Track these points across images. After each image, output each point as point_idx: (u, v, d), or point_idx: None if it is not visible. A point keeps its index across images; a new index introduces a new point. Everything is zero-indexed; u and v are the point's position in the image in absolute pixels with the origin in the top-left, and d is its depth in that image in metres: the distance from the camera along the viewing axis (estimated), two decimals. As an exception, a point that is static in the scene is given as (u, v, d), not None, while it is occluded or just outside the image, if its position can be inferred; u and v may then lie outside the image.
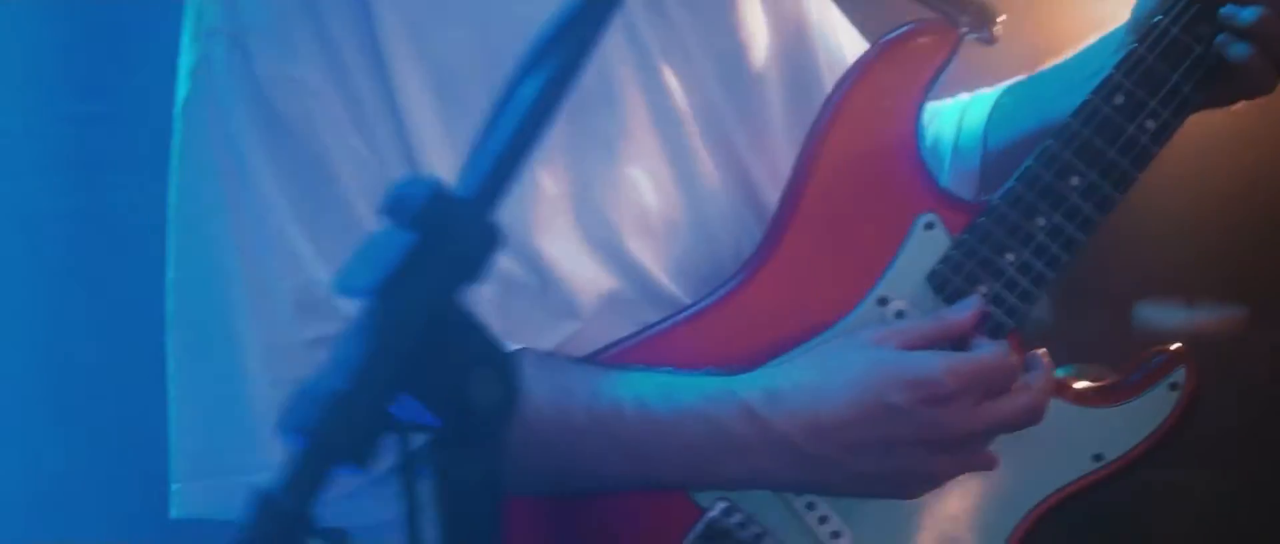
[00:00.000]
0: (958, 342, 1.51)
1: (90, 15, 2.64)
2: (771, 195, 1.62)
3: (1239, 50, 1.52)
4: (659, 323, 1.55)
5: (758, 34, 1.69)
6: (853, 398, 1.45)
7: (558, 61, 1.14)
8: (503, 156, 1.12)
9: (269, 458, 1.49)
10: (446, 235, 1.07)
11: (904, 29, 1.59)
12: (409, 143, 1.51)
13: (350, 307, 1.45)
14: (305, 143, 1.50)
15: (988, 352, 1.49)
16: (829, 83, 1.69)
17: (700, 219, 1.60)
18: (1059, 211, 1.53)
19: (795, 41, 1.72)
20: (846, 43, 1.79)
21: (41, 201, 2.67)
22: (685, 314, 1.55)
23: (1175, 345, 1.61)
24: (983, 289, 1.53)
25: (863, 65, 1.59)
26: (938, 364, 1.46)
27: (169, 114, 1.62)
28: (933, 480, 1.51)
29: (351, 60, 1.51)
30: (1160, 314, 2.46)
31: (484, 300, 1.49)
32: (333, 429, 1.03)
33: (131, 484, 2.60)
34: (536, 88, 1.13)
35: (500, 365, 1.11)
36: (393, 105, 1.51)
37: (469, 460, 1.11)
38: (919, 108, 1.57)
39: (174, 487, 1.55)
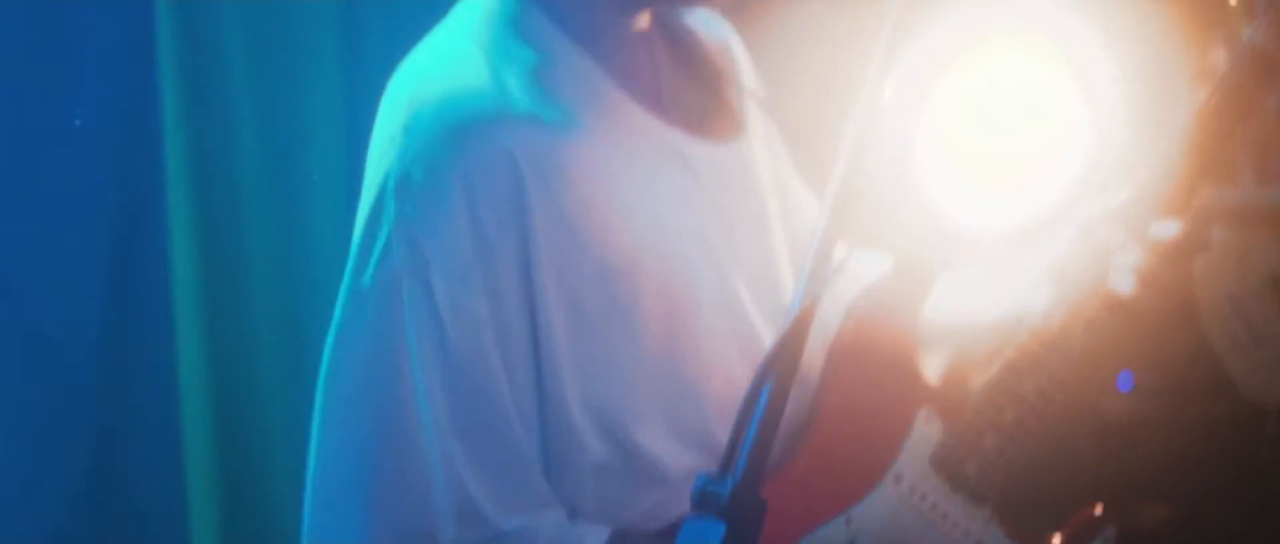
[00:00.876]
0: None
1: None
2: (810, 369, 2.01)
3: None
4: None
5: (780, 229, 2.08)
6: None
7: (778, 374, 1.57)
8: (757, 446, 1.53)
9: None
10: (741, 517, 1.49)
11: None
12: (540, 363, 1.85)
13: (501, 520, 1.82)
14: (471, 368, 1.83)
15: None
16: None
17: None
18: (1020, 408, 2.04)
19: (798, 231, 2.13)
20: None
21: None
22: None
23: (1100, 510, 2.14)
24: (970, 468, 2.02)
25: (868, 293, 2.06)
26: None
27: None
28: None
29: (508, 291, 1.83)
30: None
31: (580, 479, 1.90)
32: None
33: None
34: (769, 393, 1.56)
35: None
36: (534, 332, 1.85)
37: None
38: (915, 324, 2.05)
39: None
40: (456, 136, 1.84)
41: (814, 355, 2.04)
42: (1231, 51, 2.16)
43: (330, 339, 1.88)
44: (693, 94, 2.06)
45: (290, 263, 3.04)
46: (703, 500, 1.48)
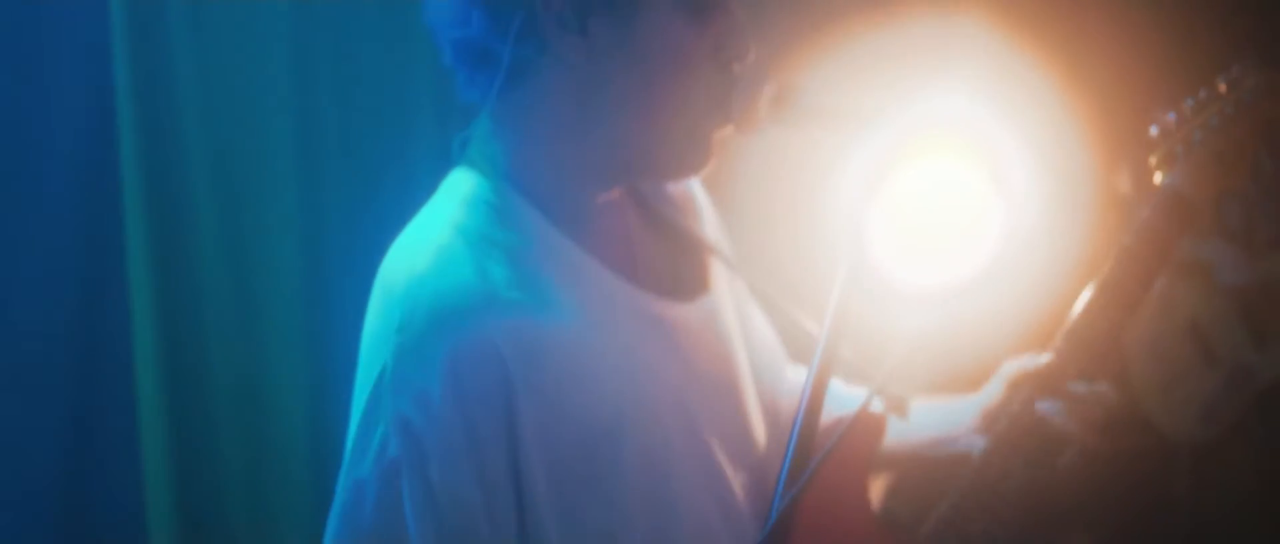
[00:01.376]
0: None
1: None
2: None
3: None
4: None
5: (748, 376, 2.21)
6: None
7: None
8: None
9: None
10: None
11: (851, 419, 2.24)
12: (527, 533, 1.97)
13: None
14: None
15: None
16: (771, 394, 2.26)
17: None
18: None
19: (768, 376, 2.28)
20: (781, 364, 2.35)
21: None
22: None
23: None
24: None
25: (827, 448, 2.21)
26: None
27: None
28: None
29: (496, 474, 1.95)
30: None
31: None
32: None
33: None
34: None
35: None
36: (521, 505, 1.97)
37: None
38: (866, 477, 2.22)
39: None
40: (446, 335, 1.96)
41: None
42: (1141, 172, 2.31)
43: (332, 523, 2.00)
44: (662, 254, 2.18)
45: (242, 266, 3.14)
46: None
